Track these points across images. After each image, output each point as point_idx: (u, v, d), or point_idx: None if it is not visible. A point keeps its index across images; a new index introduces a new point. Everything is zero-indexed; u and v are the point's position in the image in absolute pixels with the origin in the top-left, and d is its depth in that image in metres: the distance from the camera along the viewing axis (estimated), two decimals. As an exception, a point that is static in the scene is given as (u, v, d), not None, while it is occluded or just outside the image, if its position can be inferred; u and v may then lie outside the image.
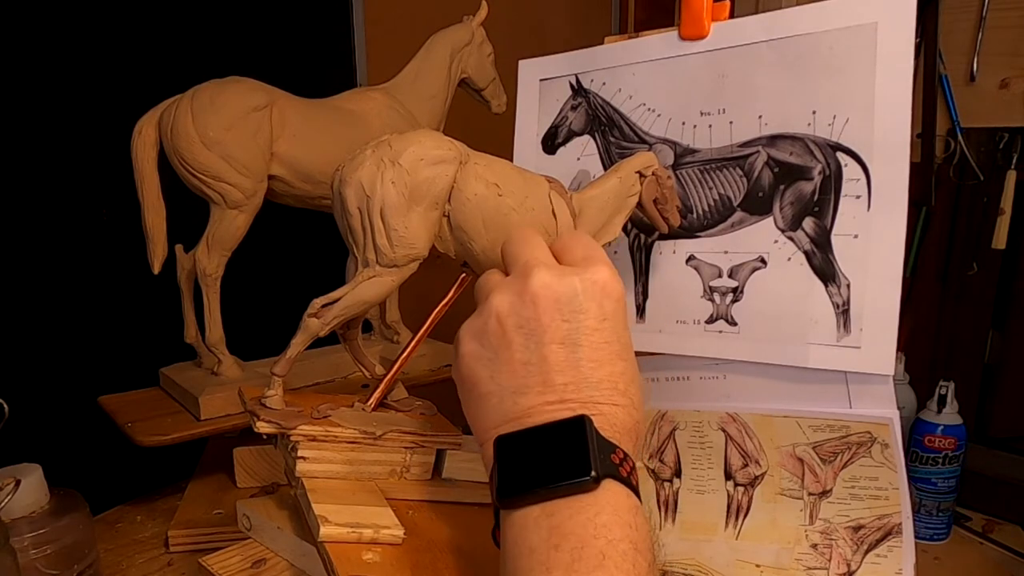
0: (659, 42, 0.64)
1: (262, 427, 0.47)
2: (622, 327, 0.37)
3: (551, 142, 0.71)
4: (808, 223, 0.57)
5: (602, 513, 0.31)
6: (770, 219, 0.59)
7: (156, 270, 0.74)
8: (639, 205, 0.58)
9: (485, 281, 0.39)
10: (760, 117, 0.59)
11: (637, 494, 0.34)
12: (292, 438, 0.46)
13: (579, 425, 0.33)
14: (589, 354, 0.35)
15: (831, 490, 0.59)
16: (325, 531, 0.41)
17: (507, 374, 0.36)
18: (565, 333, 0.35)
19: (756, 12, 0.60)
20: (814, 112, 0.57)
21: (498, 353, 0.36)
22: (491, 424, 0.36)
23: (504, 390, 0.36)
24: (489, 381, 0.36)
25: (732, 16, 0.61)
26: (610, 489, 0.32)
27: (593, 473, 0.32)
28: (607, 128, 0.67)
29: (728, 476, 0.63)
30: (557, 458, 0.33)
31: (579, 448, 0.32)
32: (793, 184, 0.58)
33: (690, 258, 0.63)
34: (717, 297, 0.61)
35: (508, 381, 0.36)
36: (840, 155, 0.56)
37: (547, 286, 0.36)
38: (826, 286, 0.56)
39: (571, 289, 0.36)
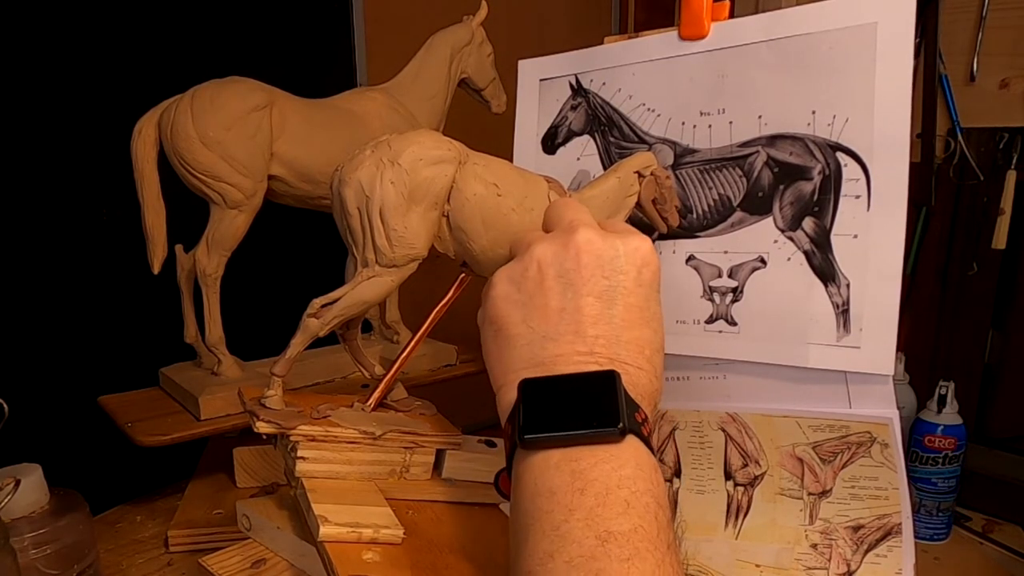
0: (659, 42, 0.64)
1: (262, 427, 0.47)
2: (655, 299, 0.38)
3: (551, 142, 0.71)
4: (808, 223, 0.57)
5: (626, 466, 0.32)
6: (770, 219, 0.59)
7: (156, 270, 0.74)
8: (638, 205, 0.58)
9: (526, 235, 0.40)
10: (760, 117, 0.59)
11: (656, 456, 0.34)
12: (292, 438, 0.46)
13: (610, 378, 0.34)
14: (622, 313, 0.36)
15: (831, 490, 0.59)
16: (325, 531, 0.41)
17: (540, 319, 0.37)
18: (603, 289, 0.36)
19: (756, 12, 0.60)
20: (814, 112, 0.57)
21: (533, 298, 0.37)
22: (516, 366, 0.36)
23: (534, 333, 0.36)
24: (520, 323, 0.37)
25: (732, 16, 0.61)
26: (633, 445, 0.33)
27: (621, 425, 0.32)
28: (607, 128, 0.67)
29: (728, 476, 0.63)
30: (586, 407, 0.33)
31: (609, 400, 0.33)
32: (793, 184, 0.58)
33: (690, 258, 0.63)
34: (717, 297, 0.61)
35: (540, 325, 0.36)
36: (840, 155, 0.56)
37: (591, 242, 0.37)
38: (826, 286, 0.56)
39: (614, 249, 0.37)
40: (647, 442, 0.34)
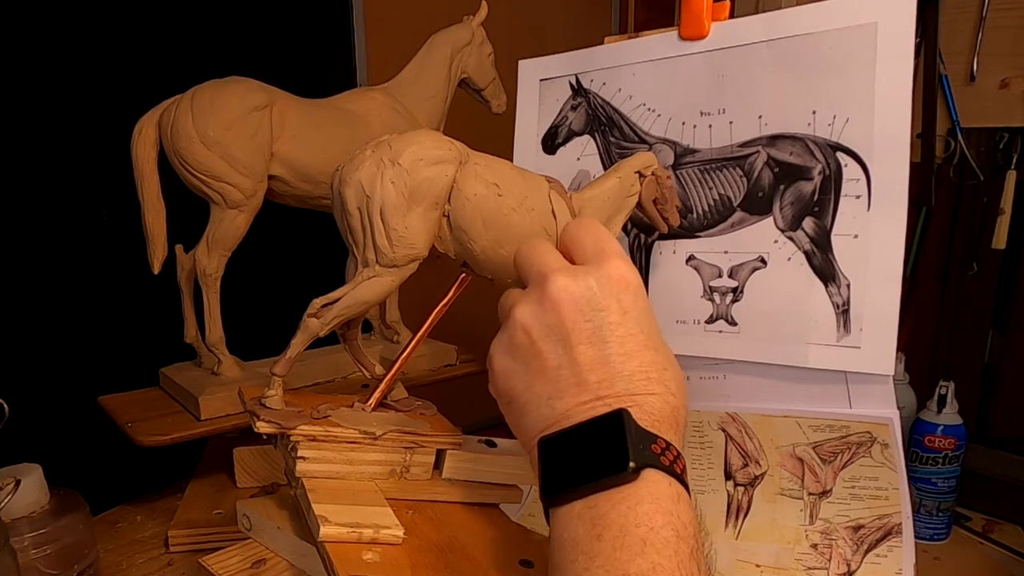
0: (659, 42, 0.64)
1: (262, 427, 0.47)
2: (645, 317, 0.38)
3: (551, 142, 0.71)
4: (808, 223, 0.57)
5: (643, 502, 0.32)
6: (770, 219, 0.59)
7: (156, 270, 0.74)
8: (639, 205, 0.58)
9: (505, 298, 0.40)
10: (760, 117, 0.59)
11: (682, 481, 0.34)
12: (292, 438, 0.46)
13: (616, 419, 0.34)
14: (616, 348, 0.36)
15: (831, 490, 0.59)
16: (325, 531, 0.41)
17: (541, 382, 0.37)
18: (590, 332, 0.36)
19: (756, 12, 0.60)
20: (814, 112, 0.57)
21: (529, 364, 0.37)
22: (534, 432, 0.37)
23: (540, 398, 0.37)
24: (526, 392, 0.38)
25: (732, 16, 0.61)
26: (650, 479, 0.33)
27: (632, 464, 0.32)
28: (607, 128, 0.67)
29: (728, 476, 0.63)
30: (597, 453, 0.34)
31: (617, 441, 0.33)
32: (793, 184, 0.58)
33: (690, 258, 0.63)
34: (717, 297, 0.61)
35: (543, 388, 0.37)
36: (840, 155, 0.56)
37: (565, 289, 0.37)
38: (826, 286, 0.56)
39: (588, 289, 0.37)
40: (670, 470, 0.33)
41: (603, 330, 0.36)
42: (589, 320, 0.36)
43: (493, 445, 0.53)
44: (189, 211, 0.73)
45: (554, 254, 0.40)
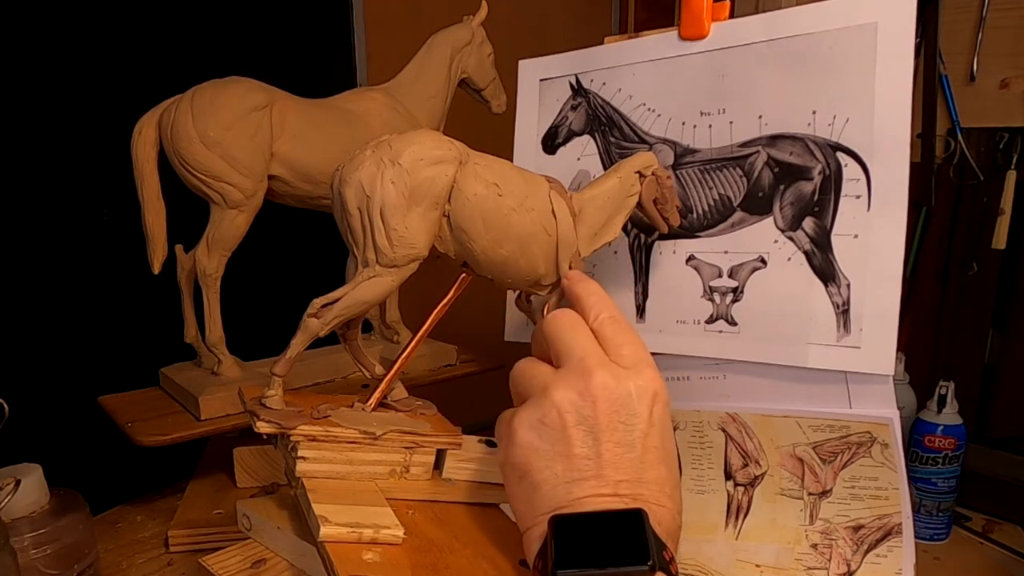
0: (659, 42, 0.64)
1: (262, 427, 0.47)
2: (667, 434, 0.40)
3: (551, 142, 0.71)
4: (808, 223, 0.57)
5: None
6: (770, 219, 0.59)
7: (156, 270, 0.74)
8: (639, 205, 0.58)
9: (535, 373, 0.41)
10: (760, 117, 0.59)
11: None
12: (292, 438, 0.46)
13: (637, 517, 0.35)
14: (641, 456, 0.38)
15: (831, 490, 0.59)
16: (325, 531, 0.41)
17: (564, 466, 0.38)
18: (621, 435, 0.38)
19: (756, 12, 0.60)
20: (814, 112, 0.57)
21: (554, 445, 0.38)
22: (542, 509, 0.38)
23: (558, 479, 0.38)
24: (544, 470, 0.38)
25: (732, 16, 0.61)
26: None
27: (651, 562, 0.33)
28: (607, 128, 0.67)
29: (728, 476, 0.63)
30: (615, 543, 0.35)
31: (637, 537, 0.34)
32: (793, 184, 0.58)
33: (690, 258, 0.63)
34: (717, 297, 0.61)
35: (564, 472, 0.38)
36: (840, 155, 0.56)
37: (606, 387, 0.38)
38: (826, 286, 0.56)
39: (627, 393, 0.38)
40: None
41: (632, 435, 0.38)
42: (623, 422, 0.38)
43: (493, 445, 0.53)
44: (189, 211, 0.73)
45: (593, 343, 0.41)
